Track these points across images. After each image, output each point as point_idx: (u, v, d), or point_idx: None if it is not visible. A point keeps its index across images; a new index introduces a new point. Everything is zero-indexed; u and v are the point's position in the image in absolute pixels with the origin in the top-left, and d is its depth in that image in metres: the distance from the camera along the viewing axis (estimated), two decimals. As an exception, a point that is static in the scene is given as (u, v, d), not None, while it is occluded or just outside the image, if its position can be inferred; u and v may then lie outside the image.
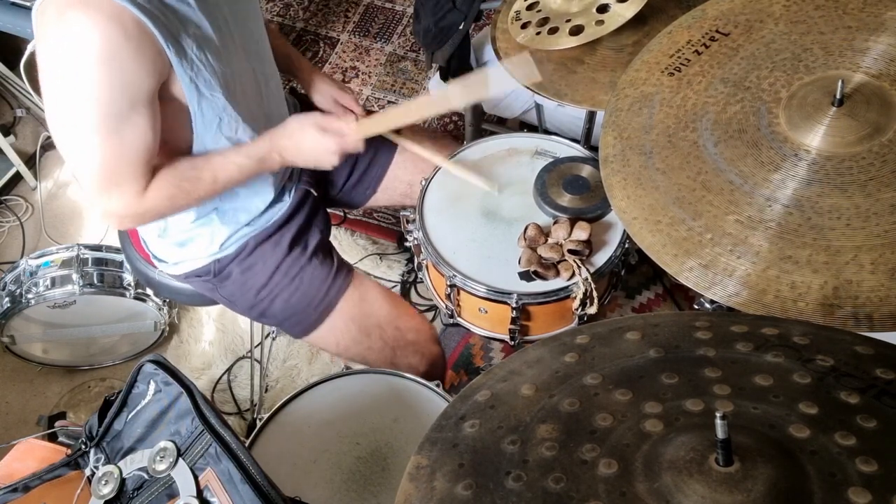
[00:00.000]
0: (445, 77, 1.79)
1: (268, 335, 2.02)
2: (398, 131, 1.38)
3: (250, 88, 1.20)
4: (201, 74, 1.07)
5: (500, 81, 1.23)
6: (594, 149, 1.27)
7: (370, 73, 2.61)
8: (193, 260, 1.35)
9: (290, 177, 1.40)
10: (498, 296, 1.23)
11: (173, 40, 1.02)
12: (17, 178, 2.42)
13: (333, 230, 2.00)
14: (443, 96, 1.24)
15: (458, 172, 1.34)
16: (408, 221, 1.39)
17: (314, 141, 1.20)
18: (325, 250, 1.41)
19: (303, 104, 1.50)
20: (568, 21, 1.28)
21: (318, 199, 1.45)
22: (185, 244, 1.33)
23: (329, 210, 1.53)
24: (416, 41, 2.64)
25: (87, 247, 1.85)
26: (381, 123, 1.27)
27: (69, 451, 1.04)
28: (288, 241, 1.35)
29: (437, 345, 1.49)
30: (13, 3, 1.81)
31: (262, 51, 1.25)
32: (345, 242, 2.18)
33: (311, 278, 1.36)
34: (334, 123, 1.22)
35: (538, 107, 1.77)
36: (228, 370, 2.01)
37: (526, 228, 1.24)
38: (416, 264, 1.46)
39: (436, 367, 1.48)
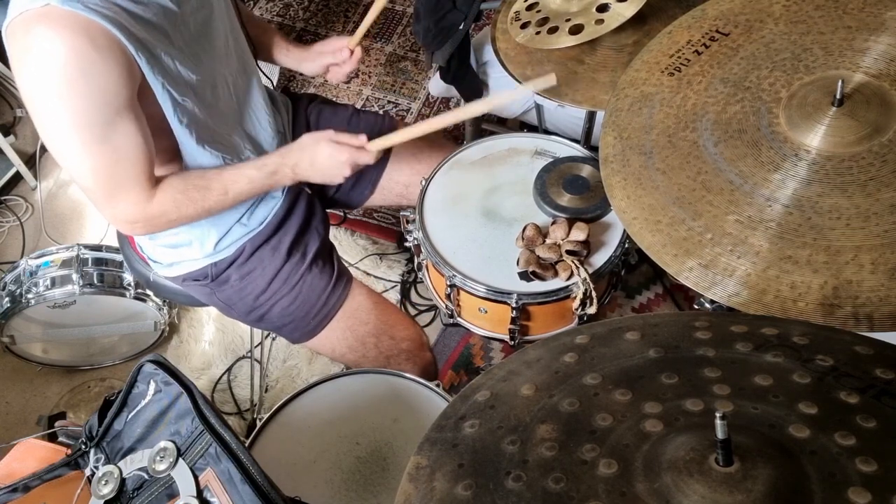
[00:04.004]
0: (445, 77, 1.78)
1: (268, 335, 2.01)
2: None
3: (222, 91, 1.19)
4: (173, 80, 1.07)
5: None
6: (594, 149, 1.27)
7: (370, 73, 2.61)
8: (188, 262, 1.34)
9: None
10: (498, 296, 1.23)
11: (143, 48, 1.01)
12: (17, 178, 2.42)
13: (333, 230, 2.00)
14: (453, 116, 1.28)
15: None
16: (408, 221, 1.39)
17: (328, 155, 1.21)
18: (325, 256, 1.41)
19: (295, 104, 1.49)
20: (568, 21, 1.28)
21: (315, 198, 1.45)
22: (176, 246, 1.32)
23: (328, 210, 1.52)
24: (416, 41, 2.64)
25: (87, 247, 1.85)
26: (392, 139, 1.28)
27: (69, 451, 1.04)
28: (287, 246, 1.35)
29: (429, 352, 1.50)
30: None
31: (217, 48, 1.20)
32: (345, 242, 2.18)
33: (310, 287, 1.36)
34: (347, 137, 1.23)
35: (538, 107, 1.77)
36: (228, 370, 2.01)
37: (524, 229, 1.24)
38: (416, 264, 1.46)
39: (428, 374, 1.49)
